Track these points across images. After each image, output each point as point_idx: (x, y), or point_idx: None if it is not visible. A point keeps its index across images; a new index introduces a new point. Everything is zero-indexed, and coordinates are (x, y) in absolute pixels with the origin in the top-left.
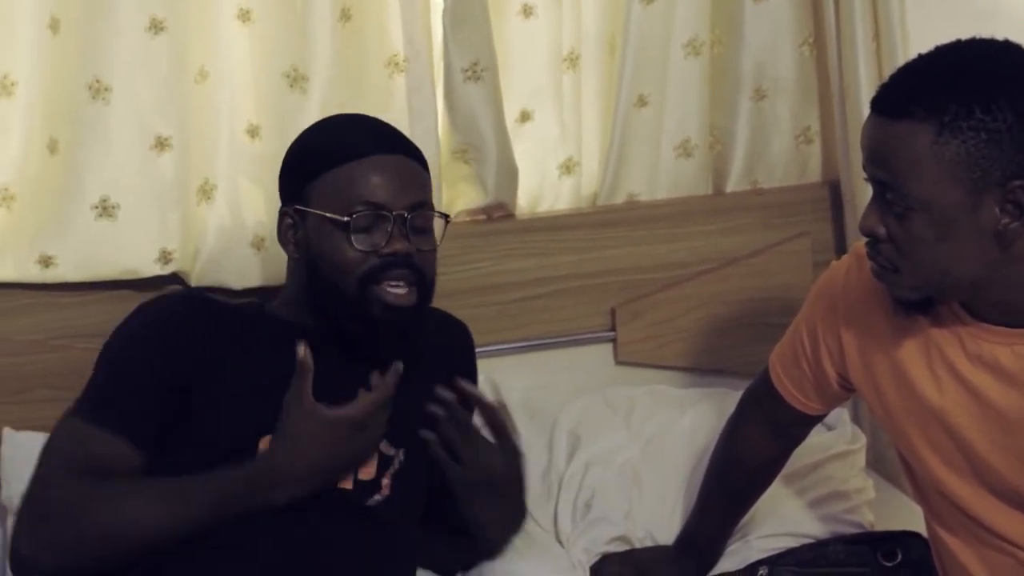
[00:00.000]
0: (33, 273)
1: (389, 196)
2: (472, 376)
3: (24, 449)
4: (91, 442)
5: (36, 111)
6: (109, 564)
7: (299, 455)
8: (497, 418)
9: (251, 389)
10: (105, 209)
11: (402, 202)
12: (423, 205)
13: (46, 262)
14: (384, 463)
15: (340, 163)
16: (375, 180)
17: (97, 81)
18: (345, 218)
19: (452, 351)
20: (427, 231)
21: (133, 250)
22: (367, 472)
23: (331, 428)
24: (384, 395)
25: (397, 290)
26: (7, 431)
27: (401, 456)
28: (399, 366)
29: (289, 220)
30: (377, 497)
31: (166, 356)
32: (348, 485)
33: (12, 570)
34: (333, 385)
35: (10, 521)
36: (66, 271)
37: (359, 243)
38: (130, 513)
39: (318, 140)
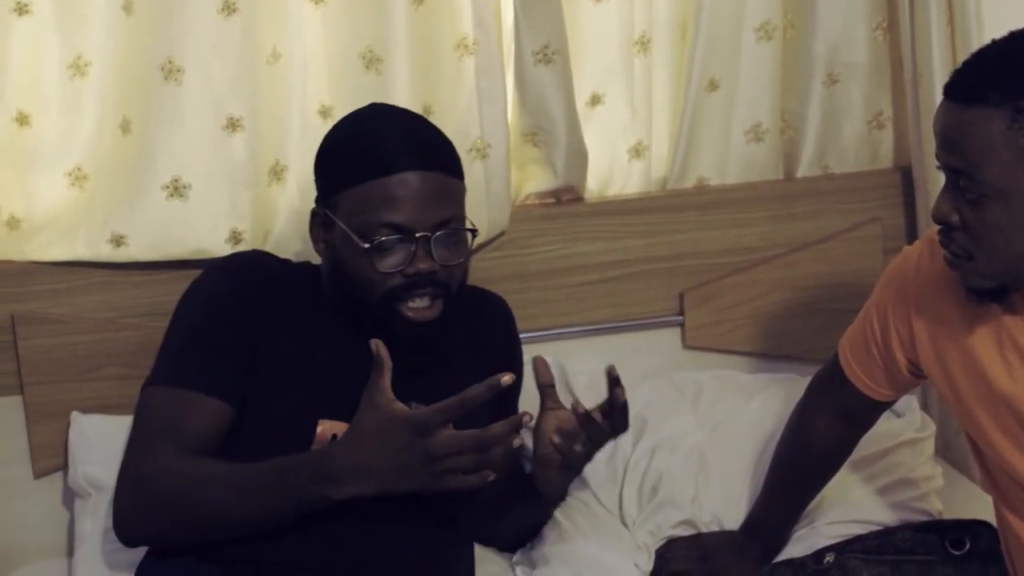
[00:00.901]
0: (105, 252)
1: (414, 217)
2: (515, 351)
3: (92, 432)
4: (185, 406)
5: (109, 91)
6: (202, 540)
7: (364, 452)
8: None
9: (310, 367)
10: (176, 189)
11: (428, 222)
12: (450, 221)
13: (118, 241)
14: None
15: (368, 178)
16: (401, 202)
17: (170, 62)
18: (366, 245)
19: (491, 330)
20: (456, 243)
21: (203, 230)
22: None
23: (394, 428)
24: (453, 410)
25: (420, 304)
26: (75, 414)
27: None
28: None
29: (319, 220)
30: None
31: (240, 317)
32: None
33: (116, 531)
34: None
35: (78, 504)
36: (137, 250)
37: (382, 266)
38: (209, 497)
39: (350, 145)
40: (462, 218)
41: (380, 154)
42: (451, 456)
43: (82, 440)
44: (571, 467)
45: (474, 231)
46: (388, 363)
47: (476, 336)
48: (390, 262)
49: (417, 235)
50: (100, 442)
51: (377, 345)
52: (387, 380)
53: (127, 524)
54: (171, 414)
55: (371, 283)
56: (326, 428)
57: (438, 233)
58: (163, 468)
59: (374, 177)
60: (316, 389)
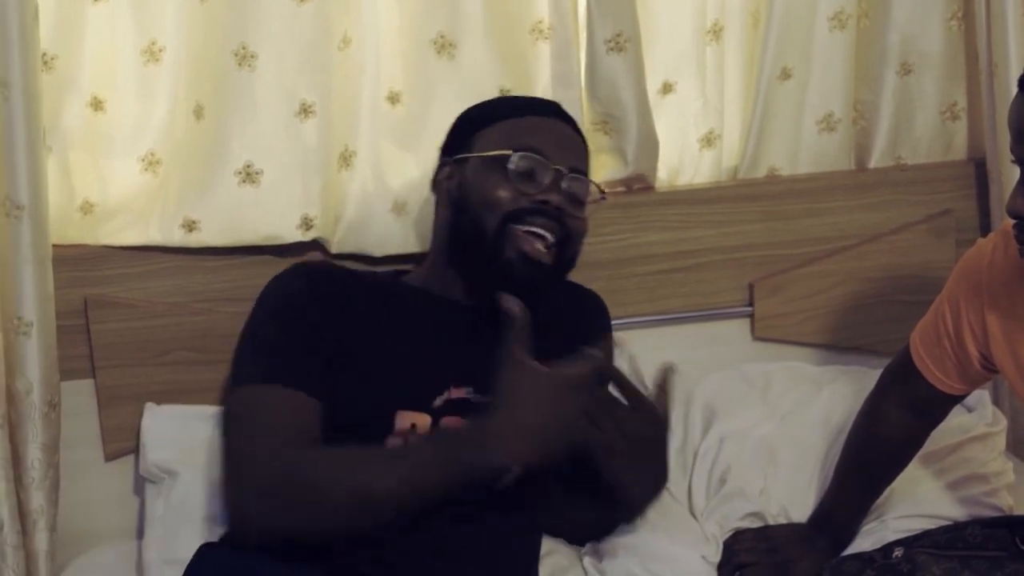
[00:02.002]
0: (177, 237)
1: (553, 150)
2: (610, 348)
3: (164, 422)
4: (288, 403)
5: (182, 77)
6: (344, 529)
7: (521, 414)
8: (630, 385)
9: (388, 359)
10: (249, 175)
11: (564, 160)
12: (582, 171)
13: (190, 226)
14: None
15: (513, 116)
16: (544, 133)
17: (243, 48)
18: (508, 151)
19: (587, 325)
20: (580, 203)
21: (275, 216)
22: None
23: (551, 385)
24: (595, 366)
25: (536, 243)
26: (149, 405)
27: None
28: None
29: (447, 169)
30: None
31: (319, 313)
32: None
33: (238, 532)
34: (459, 352)
35: (148, 487)
36: (209, 236)
37: (516, 180)
38: (362, 479)
39: (494, 103)
40: (588, 180)
41: (527, 104)
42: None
43: (154, 428)
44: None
45: (603, 194)
46: (525, 319)
47: (574, 327)
48: (524, 182)
49: (554, 166)
50: (171, 430)
51: (507, 301)
52: (525, 338)
53: (254, 523)
54: (279, 410)
55: (498, 199)
56: (405, 419)
57: (573, 174)
58: (299, 459)
59: (520, 115)
60: (394, 380)
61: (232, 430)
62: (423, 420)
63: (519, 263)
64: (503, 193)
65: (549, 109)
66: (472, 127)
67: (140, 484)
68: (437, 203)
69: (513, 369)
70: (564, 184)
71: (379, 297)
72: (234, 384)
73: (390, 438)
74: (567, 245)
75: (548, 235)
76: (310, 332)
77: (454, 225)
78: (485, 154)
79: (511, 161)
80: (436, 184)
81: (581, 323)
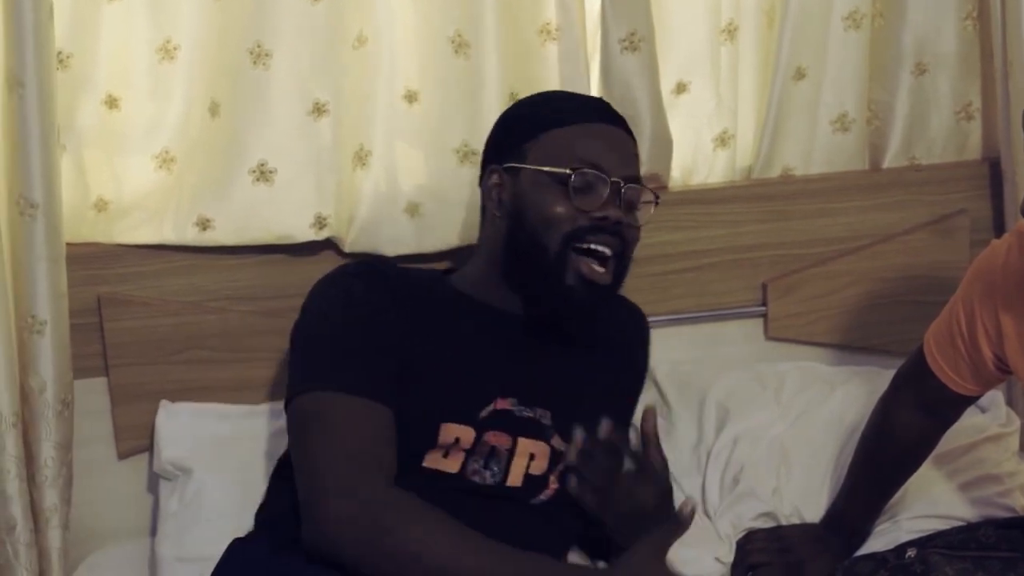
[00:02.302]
0: (191, 235)
1: (610, 162)
2: (647, 364)
3: (179, 419)
4: (373, 420)
5: (197, 75)
6: None
7: None
8: (658, 455)
9: (437, 367)
10: (263, 173)
11: (620, 171)
12: (639, 180)
13: (204, 224)
14: (555, 459)
15: (564, 124)
16: (598, 144)
17: (258, 46)
18: (568, 170)
19: (629, 339)
20: (635, 209)
21: (289, 215)
22: (538, 466)
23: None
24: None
25: (595, 264)
26: (164, 402)
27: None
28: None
29: (496, 178)
30: (542, 497)
31: (379, 318)
32: (518, 482)
33: (310, 546)
34: (506, 362)
35: (163, 484)
36: (223, 234)
37: (575, 198)
38: (442, 551)
39: (540, 106)
40: (644, 189)
41: (578, 108)
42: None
43: (168, 425)
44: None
45: (656, 199)
46: (689, 519)
47: (616, 340)
48: (582, 200)
49: (612, 179)
50: (186, 427)
51: (685, 506)
52: (677, 536)
53: (326, 547)
54: (366, 426)
55: (558, 219)
56: (450, 432)
57: (630, 185)
58: (397, 512)
59: (574, 123)
60: (442, 390)
61: (316, 442)
62: (467, 435)
63: (579, 287)
64: (562, 210)
65: (602, 113)
66: (523, 133)
67: (153, 482)
68: (486, 208)
69: (649, 559)
70: (622, 196)
71: (430, 302)
72: (310, 385)
73: (433, 453)
74: (624, 256)
75: (607, 250)
76: (383, 338)
77: (511, 239)
78: (542, 168)
79: (571, 180)
80: (485, 190)
81: (625, 335)
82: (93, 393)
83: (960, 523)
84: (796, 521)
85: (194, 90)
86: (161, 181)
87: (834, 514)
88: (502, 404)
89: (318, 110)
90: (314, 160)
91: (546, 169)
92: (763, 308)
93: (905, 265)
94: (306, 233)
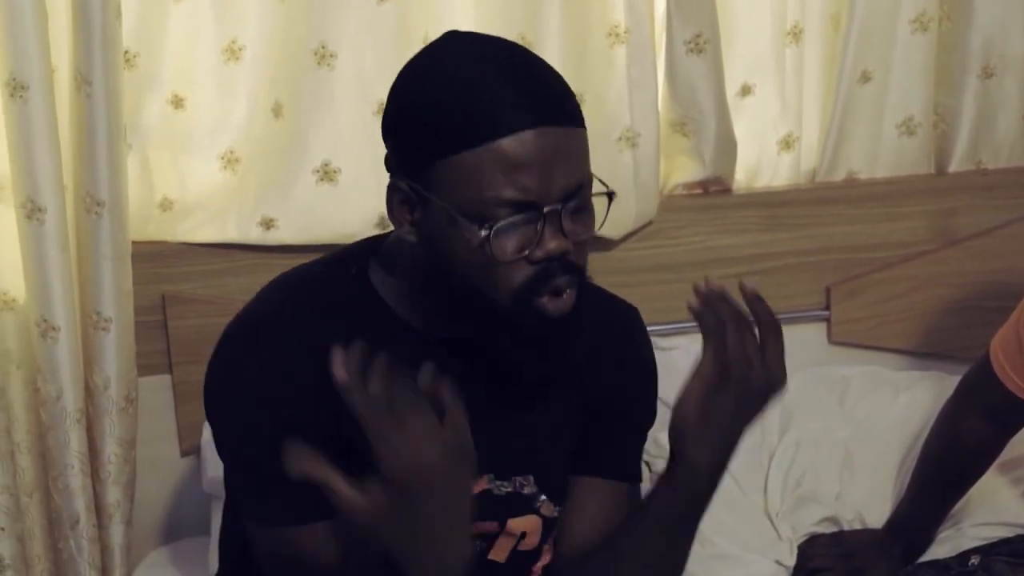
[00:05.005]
0: (255, 235)
1: (540, 188)
2: (644, 365)
3: None
4: (308, 543)
5: (262, 76)
6: None
7: None
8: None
9: None
10: (327, 173)
11: (557, 192)
12: (581, 188)
13: (268, 224)
14: (548, 528)
15: (474, 144)
16: (522, 170)
17: (323, 47)
18: (483, 232)
19: (619, 346)
20: (584, 210)
21: (352, 214)
22: (530, 542)
23: None
24: None
25: (556, 302)
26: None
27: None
28: None
29: (402, 196)
30: (535, 569)
31: (295, 407)
32: (502, 558)
33: None
34: (479, 407)
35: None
36: (286, 234)
37: (501, 253)
38: None
39: (448, 98)
40: (591, 179)
41: (486, 109)
42: None
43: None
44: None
45: (611, 194)
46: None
47: (598, 350)
48: (511, 246)
49: (545, 210)
50: None
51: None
52: None
53: None
54: (319, 554)
55: (494, 279)
56: None
57: (570, 204)
58: None
59: (482, 141)
60: None
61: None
62: None
63: (546, 329)
64: (495, 269)
65: (534, 113)
66: (429, 151)
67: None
68: (401, 234)
69: None
70: (564, 222)
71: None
72: (246, 514)
73: None
74: (583, 275)
75: (564, 283)
76: (308, 442)
77: (441, 291)
78: (452, 213)
79: (492, 237)
80: (392, 212)
81: (615, 344)
82: (157, 391)
83: None
84: (858, 527)
85: (259, 90)
86: (225, 181)
87: (897, 520)
88: (477, 487)
89: (382, 111)
90: (378, 160)
91: (459, 218)
92: (826, 312)
93: (971, 270)
94: (369, 232)
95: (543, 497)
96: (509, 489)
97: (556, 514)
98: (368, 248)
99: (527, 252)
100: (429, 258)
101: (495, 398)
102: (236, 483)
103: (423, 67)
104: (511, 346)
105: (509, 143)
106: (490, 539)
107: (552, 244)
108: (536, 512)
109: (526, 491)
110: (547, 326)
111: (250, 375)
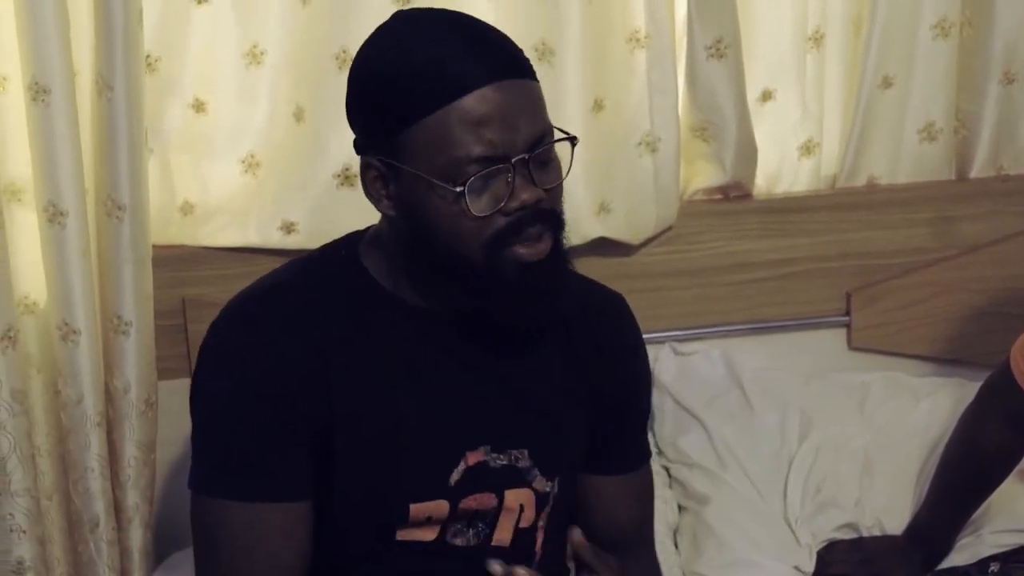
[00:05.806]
0: (275, 239)
1: (506, 140)
2: (638, 350)
3: None
4: (259, 524)
5: (283, 80)
6: None
7: None
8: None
9: (386, 433)
10: (347, 178)
11: (522, 142)
12: (544, 136)
13: (288, 228)
14: (542, 502)
15: (438, 106)
16: (486, 125)
17: (344, 51)
18: (457, 188)
19: (610, 332)
20: (550, 160)
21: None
22: (527, 517)
23: None
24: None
25: (530, 247)
26: None
27: (556, 489)
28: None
29: (375, 172)
30: (536, 549)
31: (286, 386)
32: (506, 541)
33: None
34: (464, 397)
35: None
36: (307, 238)
37: (477, 209)
38: None
39: (406, 69)
40: (552, 130)
41: (445, 72)
42: None
43: None
44: None
45: (573, 139)
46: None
47: (581, 337)
48: (485, 201)
49: (513, 160)
50: None
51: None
52: None
53: None
54: (251, 537)
55: (468, 234)
56: (421, 510)
57: (536, 152)
58: None
59: (445, 103)
60: (397, 468)
61: (203, 556)
62: (440, 508)
63: (524, 276)
64: (471, 223)
65: (489, 68)
66: (392, 122)
67: None
68: (379, 210)
69: None
70: (532, 170)
71: (358, 329)
72: (200, 486)
73: (405, 529)
74: (557, 218)
75: (537, 230)
76: (291, 424)
77: (421, 257)
78: (426, 177)
79: (466, 194)
80: (367, 188)
81: (603, 330)
82: (177, 394)
83: None
84: (878, 533)
85: (280, 95)
86: (246, 185)
87: (916, 527)
88: (474, 458)
89: None
90: None
91: (432, 180)
92: (846, 318)
93: (992, 276)
94: None
95: (536, 471)
96: (504, 462)
97: (548, 489)
98: (358, 233)
99: (502, 204)
100: (409, 228)
101: (489, 371)
102: (201, 450)
103: (376, 46)
104: (497, 300)
105: (471, 101)
106: (491, 519)
107: (525, 195)
108: (529, 486)
109: (520, 464)
110: (527, 272)
111: (242, 354)
